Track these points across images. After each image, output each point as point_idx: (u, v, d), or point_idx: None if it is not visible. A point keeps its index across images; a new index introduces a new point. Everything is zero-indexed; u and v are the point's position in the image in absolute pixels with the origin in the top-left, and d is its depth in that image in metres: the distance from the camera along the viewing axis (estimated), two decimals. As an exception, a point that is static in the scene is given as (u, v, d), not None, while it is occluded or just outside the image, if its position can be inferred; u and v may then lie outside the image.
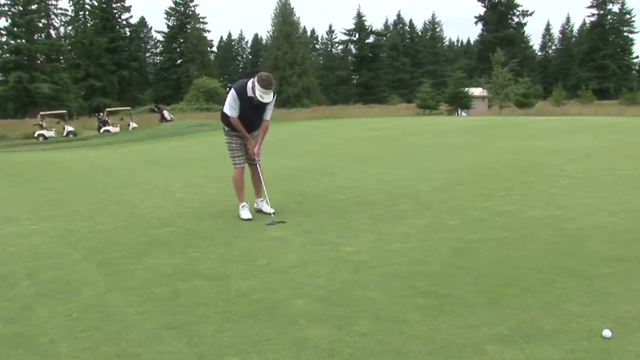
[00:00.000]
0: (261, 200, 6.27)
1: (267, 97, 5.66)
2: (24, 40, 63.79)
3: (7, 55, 63.43)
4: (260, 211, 6.20)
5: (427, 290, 3.60)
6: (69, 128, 33.75)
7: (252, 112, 5.87)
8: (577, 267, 3.98)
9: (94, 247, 5.01)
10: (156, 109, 45.87)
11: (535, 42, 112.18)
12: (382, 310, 3.31)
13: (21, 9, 64.04)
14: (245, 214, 5.97)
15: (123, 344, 2.96)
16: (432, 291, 3.59)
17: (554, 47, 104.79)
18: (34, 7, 65.45)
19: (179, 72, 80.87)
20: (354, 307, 3.37)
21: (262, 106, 5.85)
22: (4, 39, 64.56)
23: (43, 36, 67.82)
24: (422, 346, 2.81)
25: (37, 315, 3.44)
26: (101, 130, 34.23)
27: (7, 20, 63.78)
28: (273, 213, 5.97)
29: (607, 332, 2.84)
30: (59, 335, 3.12)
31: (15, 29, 63.83)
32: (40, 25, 67.31)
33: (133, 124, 35.39)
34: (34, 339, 3.09)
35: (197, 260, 4.48)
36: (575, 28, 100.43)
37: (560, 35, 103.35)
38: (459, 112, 46.91)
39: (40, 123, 33.32)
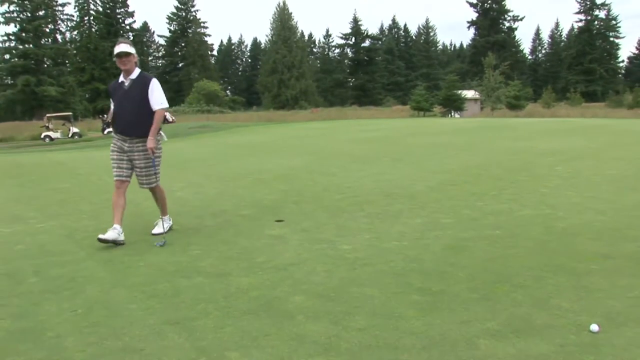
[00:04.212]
0: (160, 219, 5.48)
1: (124, 47, 5.01)
2: (31, 45, 63.90)
3: (16, 59, 63.32)
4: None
5: (421, 287, 3.60)
6: (74, 129, 33.68)
7: (124, 101, 5.12)
8: (567, 264, 3.99)
9: (99, 245, 4.98)
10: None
11: (526, 47, 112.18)
12: (378, 306, 3.30)
13: (29, 15, 64.08)
14: (107, 234, 4.90)
15: (127, 339, 2.96)
16: (426, 288, 3.59)
17: (543, 51, 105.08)
18: (41, 13, 65.39)
19: (181, 75, 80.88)
20: (350, 303, 3.36)
21: (135, 93, 5.07)
22: (12, 44, 64.54)
23: (50, 41, 67.64)
24: (416, 341, 2.81)
25: (44, 311, 3.43)
26: (105, 132, 34.15)
27: (15, 26, 63.83)
28: (161, 234, 5.24)
29: (594, 327, 2.86)
30: (65, 330, 3.11)
31: (24, 34, 63.78)
32: (47, 30, 67.21)
33: (136, 126, 35.31)
34: (41, 333, 3.08)
35: (198, 258, 4.48)
36: (564, 33, 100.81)
37: (549, 40, 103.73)
38: (452, 113, 46.95)
39: (47, 125, 33.24)
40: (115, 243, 4.91)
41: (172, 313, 3.30)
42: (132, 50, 5.05)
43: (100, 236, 4.87)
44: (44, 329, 3.15)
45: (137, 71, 5.15)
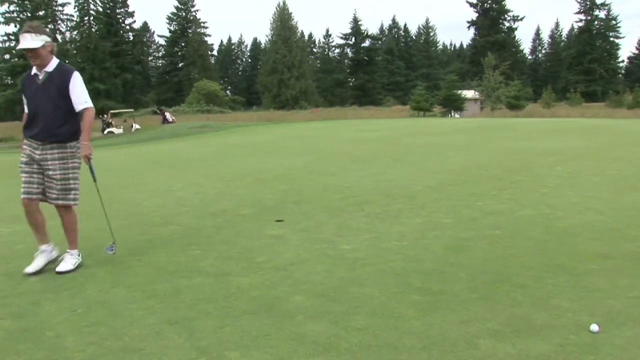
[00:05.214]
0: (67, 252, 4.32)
1: (27, 42, 4.05)
2: (31, 46, 64.10)
3: (16, 59, 63.41)
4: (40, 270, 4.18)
5: (421, 287, 3.60)
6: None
7: (38, 98, 4.19)
8: (566, 264, 3.99)
9: (98, 244, 4.99)
10: (158, 111, 45.85)
11: (526, 47, 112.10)
12: (378, 306, 3.30)
13: (29, 15, 64.27)
14: (34, 263, 4.21)
15: (127, 339, 2.96)
16: (426, 288, 3.59)
17: (543, 51, 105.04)
18: (41, 13, 65.57)
19: (181, 75, 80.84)
20: (350, 303, 3.36)
21: (51, 88, 4.16)
22: (12, 44, 64.64)
23: (50, 41, 67.94)
24: (416, 341, 2.81)
25: (44, 310, 3.43)
26: (105, 132, 34.19)
27: (15, 26, 63.92)
28: (68, 271, 4.15)
29: (594, 327, 2.86)
30: (65, 330, 3.11)
31: (24, 34, 64.01)
32: (47, 30, 67.36)
33: (136, 126, 35.39)
34: (41, 333, 3.08)
35: (198, 258, 4.48)
36: (564, 33, 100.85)
37: (549, 40, 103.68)
38: (452, 113, 46.96)
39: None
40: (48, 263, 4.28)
41: (172, 313, 3.30)
42: (37, 44, 4.04)
43: (28, 270, 4.13)
44: (44, 328, 3.15)
45: (54, 62, 4.21)
